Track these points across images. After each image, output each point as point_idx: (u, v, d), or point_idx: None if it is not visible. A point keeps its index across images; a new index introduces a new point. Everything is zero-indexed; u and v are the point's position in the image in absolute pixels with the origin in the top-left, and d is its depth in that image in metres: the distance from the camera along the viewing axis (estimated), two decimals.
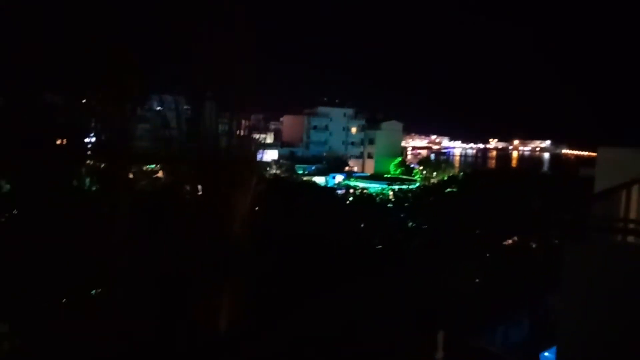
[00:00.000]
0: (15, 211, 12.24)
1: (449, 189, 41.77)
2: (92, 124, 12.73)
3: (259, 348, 11.91)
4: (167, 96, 17.56)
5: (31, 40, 10.15)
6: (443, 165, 79.02)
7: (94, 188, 12.72)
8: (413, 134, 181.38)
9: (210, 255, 11.45)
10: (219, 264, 11.53)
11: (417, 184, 60.07)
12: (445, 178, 54.88)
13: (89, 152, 12.81)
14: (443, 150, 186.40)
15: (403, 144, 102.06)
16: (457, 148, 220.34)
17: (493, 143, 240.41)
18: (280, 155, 69.66)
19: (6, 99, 10.55)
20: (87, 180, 12.48)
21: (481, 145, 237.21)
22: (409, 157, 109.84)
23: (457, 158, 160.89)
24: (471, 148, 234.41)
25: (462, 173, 59.81)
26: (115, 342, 10.22)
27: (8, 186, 12.64)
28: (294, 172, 61.21)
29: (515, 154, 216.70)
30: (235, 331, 11.36)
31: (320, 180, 57.34)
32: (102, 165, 12.46)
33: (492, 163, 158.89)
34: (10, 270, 10.78)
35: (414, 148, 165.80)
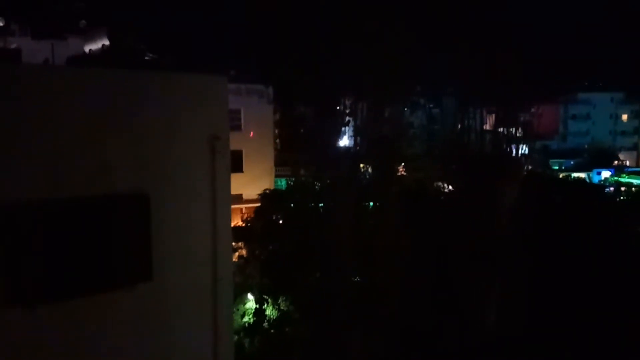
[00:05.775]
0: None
1: None
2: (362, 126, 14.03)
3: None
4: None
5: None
6: None
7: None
8: None
9: (476, 249, 11.58)
10: (486, 259, 11.57)
11: None
12: None
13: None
14: None
15: None
16: None
17: None
18: (531, 150, 64.38)
19: (314, 108, 12.37)
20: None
21: None
22: None
23: None
24: None
25: None
26: (391, 329, 11.13)
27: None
28: (548, 167, 55.90)
29: None
30: (504, 334, 11.18)
31: (580, 176, 50.92)
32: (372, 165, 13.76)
33: None
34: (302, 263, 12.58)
35: None
